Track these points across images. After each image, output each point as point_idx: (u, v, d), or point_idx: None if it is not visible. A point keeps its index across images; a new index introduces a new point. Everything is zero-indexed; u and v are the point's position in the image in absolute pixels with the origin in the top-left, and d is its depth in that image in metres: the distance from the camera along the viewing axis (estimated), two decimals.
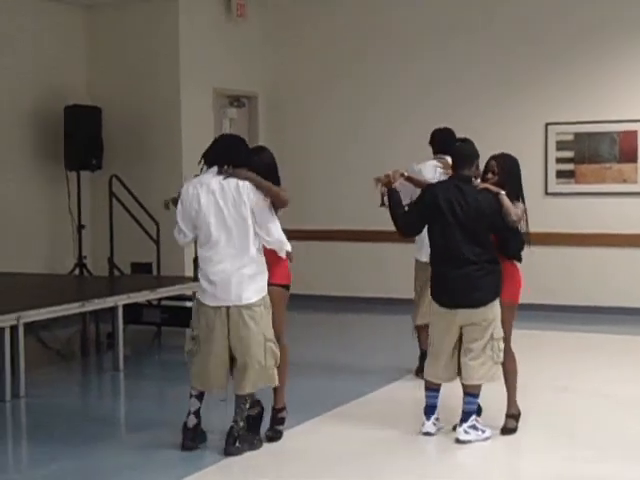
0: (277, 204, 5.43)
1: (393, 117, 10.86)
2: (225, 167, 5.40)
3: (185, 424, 5.50)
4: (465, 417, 5.63)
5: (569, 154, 10.22)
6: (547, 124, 10.24)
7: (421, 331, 7.00)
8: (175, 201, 5.61)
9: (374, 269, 10.97)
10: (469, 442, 5.58)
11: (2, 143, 9.89)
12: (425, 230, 5.89)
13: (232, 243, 5.36)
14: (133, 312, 8.84)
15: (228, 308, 5.38)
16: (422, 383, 5.89)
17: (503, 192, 5.62)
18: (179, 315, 8.86)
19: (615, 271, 10.06)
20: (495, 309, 5.63)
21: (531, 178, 9.69)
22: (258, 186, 5.36)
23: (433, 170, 6.83)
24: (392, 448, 5.58)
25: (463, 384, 5.69)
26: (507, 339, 5.75)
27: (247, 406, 5.47)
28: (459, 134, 6.81)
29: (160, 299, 9.00)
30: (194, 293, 7.39)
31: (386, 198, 5.91)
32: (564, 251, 10.23)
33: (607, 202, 10.06)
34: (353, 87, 11.09)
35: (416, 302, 7.13)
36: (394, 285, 10.34)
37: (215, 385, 5.50)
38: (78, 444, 5.76)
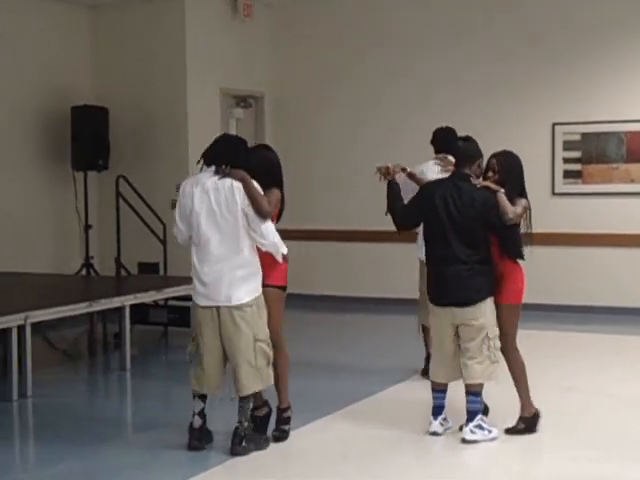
0: (257, 213, 5.32)
1: (396, 117, 10.85)
2: (222, 167, 5.39)
3: (191, 424, 5.50)
4: (471, 417, 5.62)
5: (576, 154, 10.20)
6: (554, 124, 10.22)
7: (427, 332, 6.98)
8: None
9: (377, 269, 10.97)
10: (475, 442, 5.57)
11: (9, 144, 9.91)
12: None
13: (224, 244, 5.34)
14: (140, 312, 8.86)
15: (219, 308, 5.38)
16: (428, 384, 5.89)
17: (502, 190, 5.60)
18: (186, 315, 8.85)
19: (623, 271, 10.03)
20: (486, 309, 5.61)
21: (538, 178, 9.74)
22: (246, 190, 5.32)
23: (435, 170, 6.81)
24: (399, 448, 5.58)
25: (465, 384, 5.70)
26: (511, 340, 5.73)
27: (250, 406, 5.46)
28: (462, 134, 6.80)
29: (167, 299, 9.00)
30: None
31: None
32: (572, 251, 10.21)
33: (614, 202, 10.03)
34: (356, 87, 11.09)
35: (421, 302, 7.11)
36: (396, 285, 10.35)
37: (210, 386, 5.49)
38: (85, 444, 5.76)
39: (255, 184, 5.37)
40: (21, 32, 10.01)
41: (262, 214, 5.33)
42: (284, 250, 5.48)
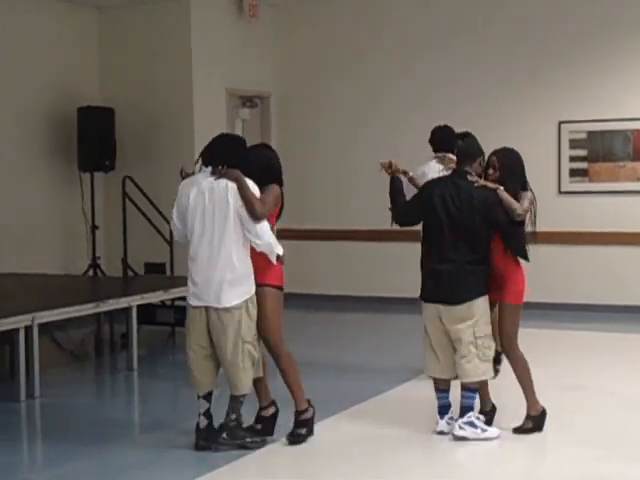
0: (250, 215, 5.31)
1: (396, 117, 10.84)
2: (219, 167, 5.38)
3: (197, 424, 5.51)
4: (462, 412, 5.64)
5: (582, 152, 10.18)
6: (560, 122, 10.21)
7: None
8: (187, 176, 5.59)
9: (377, 268, 10.96)
10: (464, 439, 5.57)
11: (16, 145, 9.93)
12: None
13: (215, 244, 5.33)
14: (147, 312, 8.87)
15: (207, 308, 5.39)
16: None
17: (501, 188, 5.58)
18: None
19: (630, 270, 10.02)
20: (474, 309, 5.58)
21: (544, 177, 9.74)
22: (240, 191, 5.31)
23: (437, 169, 6.80)
24: (406, 447, 5.59)
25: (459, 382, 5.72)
26: (513, 339, 5.71)
27: (239, 404, 5.46)
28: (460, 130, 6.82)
29: (174, 299, 9.01)
30: None
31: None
32: (578, 250, 10.19)
33: (621, 200, 10.02)
34: (356, 87, 11.08)
35: None
36: (397, 284, 10.35)
37: (201, 385, 5.50)
38: (92, 444, 5.77)
39: (250, 185, 5.35)
40: (27, 33, 10.02)
41: (255, 216, 5.30)
42: (279, 251, 5.45)
